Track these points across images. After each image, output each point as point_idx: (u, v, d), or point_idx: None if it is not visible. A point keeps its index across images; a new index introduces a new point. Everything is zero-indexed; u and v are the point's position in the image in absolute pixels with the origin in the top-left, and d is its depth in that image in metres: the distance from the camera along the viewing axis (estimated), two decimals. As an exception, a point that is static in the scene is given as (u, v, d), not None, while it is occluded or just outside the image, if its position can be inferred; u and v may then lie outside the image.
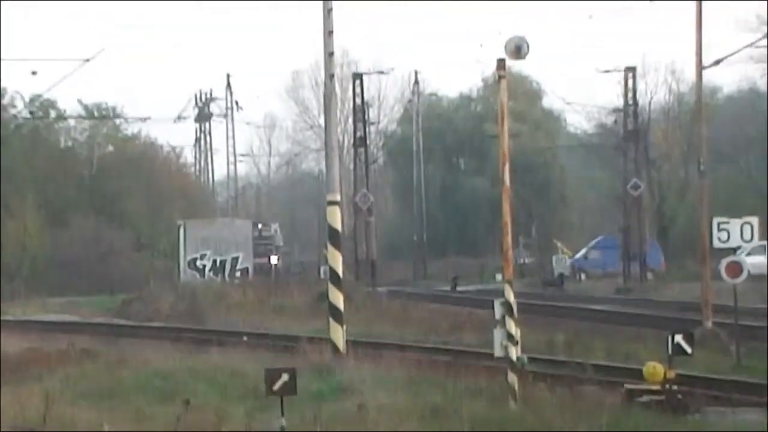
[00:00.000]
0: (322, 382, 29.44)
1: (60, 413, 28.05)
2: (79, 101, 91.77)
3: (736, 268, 43.46)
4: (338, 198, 39.62)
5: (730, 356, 33.68)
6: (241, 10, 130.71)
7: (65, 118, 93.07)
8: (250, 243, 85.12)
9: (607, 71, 75.56)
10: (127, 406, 28.99)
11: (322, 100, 46.18)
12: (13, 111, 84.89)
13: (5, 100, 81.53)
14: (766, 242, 54.54)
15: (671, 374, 27.02)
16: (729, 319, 40.45)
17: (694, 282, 48.74)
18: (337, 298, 36.87)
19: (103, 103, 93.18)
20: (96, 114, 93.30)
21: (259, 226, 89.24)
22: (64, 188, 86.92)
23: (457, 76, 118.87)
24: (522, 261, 73.83)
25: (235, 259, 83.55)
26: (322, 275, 55.66)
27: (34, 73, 61.65)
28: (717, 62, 49.28)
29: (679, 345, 28.34)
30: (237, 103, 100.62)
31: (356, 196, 78.59)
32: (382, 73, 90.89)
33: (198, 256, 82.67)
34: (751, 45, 59.73)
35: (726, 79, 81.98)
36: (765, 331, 39.71)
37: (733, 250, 45.69)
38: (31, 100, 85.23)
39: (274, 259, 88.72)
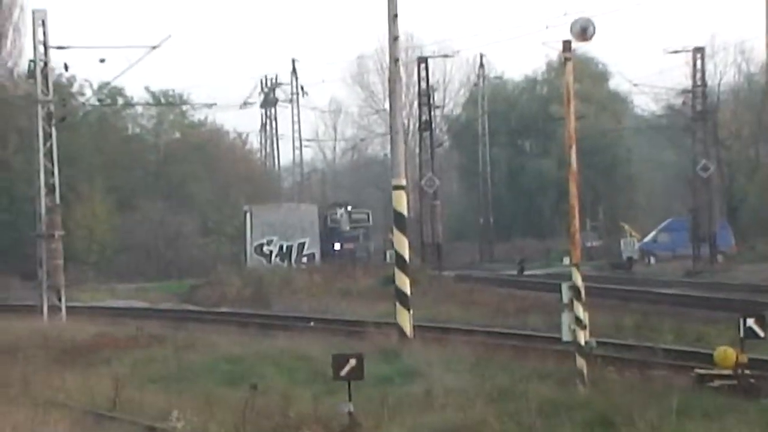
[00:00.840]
0: (388, 366, 29.46)
1: (129, 397, 28.21)
2: (146, 88, 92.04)
3: None
4: (404, 182, 39.66)
5: None
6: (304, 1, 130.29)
7: (133, 105, 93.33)
8: (316, 228, 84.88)
9: (675, 51, 75.13)
10: (196, 391, 29.12)
11: (387, 85, 46.05)
12: (81, 98, 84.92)
13: (74, 88, 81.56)
14: None
15: (743, 358, 26.85)
16: None
17: (766, 263, 48.44)
18: (404, 283, 36.87)
19: (170, 89, 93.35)
20: (162, 101, 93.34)
21: (349, 208, 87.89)
22: (132, 174, 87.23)
23: (522, 58, 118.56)
24: (589, 244, 73.19)
25: (302, 245, 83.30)
26: (387, 259, 55.55)
27: (102, 60, 61.41)
28: None
29: (751, 328, 28.13)
30: (302, 88, 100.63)
31: (422, 180, 78.32)
32: (447, 56, 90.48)
33: (264, 241, 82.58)
34: None
35: None
36: None
37: None
38: (100, 88, 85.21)
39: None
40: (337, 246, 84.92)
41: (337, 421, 23.65)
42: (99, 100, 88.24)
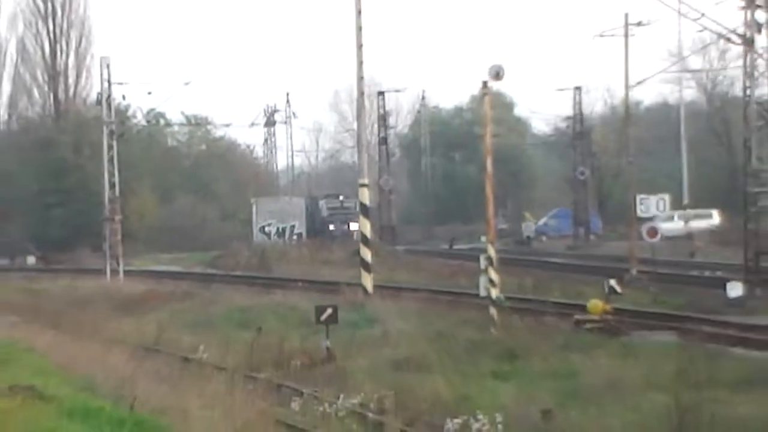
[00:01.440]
0: (356, 314, 29.60)
1: (168, 337, 28.29)
2: (182, 112, 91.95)
3: (653, 231, 43.58)
4: (367, 182, 39.86)
5: (649, 294, 33.67)
6: (296, 51, 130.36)
7: (171, 125, 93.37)
8: (303, 215, 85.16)
9: (561, 89, 75.90)
10: (217, 332, 29.18)
11: (355, 111, 46.19)
12: (134, 120, 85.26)
13: (129, 113, 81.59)
14: (674, 212, 54.34)
15: (608, 308, 27.13)
16: (648, 268, 40.61)
17: (624, 241, 48.75)
18: (366, 254, 37.03)
19: (198, 113, 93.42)
20: (193, 121, 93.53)
21: (341, 197, 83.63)
22: (171, 175, 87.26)
23: (453, 92, 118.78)
24: (500, 227, 73.29)
25: (293, 227, 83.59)
26: (355, 237, 55.62)
27: (149, 93, 62.24)
28: (639, 83, 49.43)
29: (613, 287, 28.46)
30: (294, 113, 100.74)
31: (380, 180, 78.68)
32: (398, 91, 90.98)
33: (266, 224, 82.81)
34: (662, 71, 59.88)
35: (645, 95, 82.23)
36: (675, 276, 39.82)
37: (651, 218, 45.82)
38: (147, 113, 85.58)
39: (354, 226, 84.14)
40: (331, 227, 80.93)
41: (318, 354, 23.75)
42: (147, 122, 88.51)
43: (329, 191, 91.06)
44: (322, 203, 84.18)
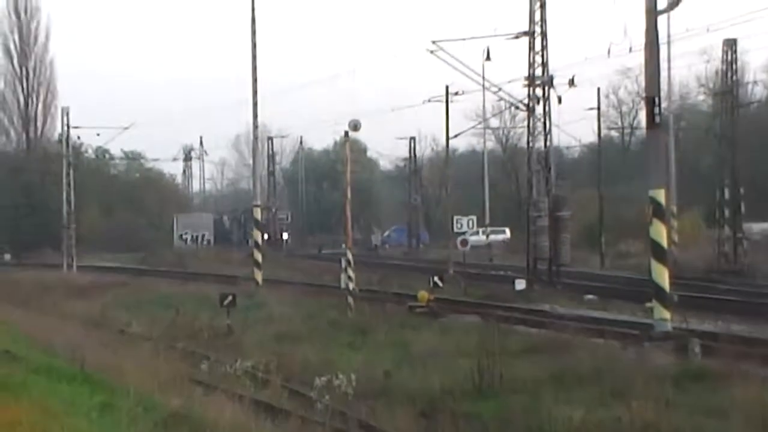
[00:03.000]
0: (249, 300, 29.29)
1: (109, 315, 27.69)
2: (122, 150, 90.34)
3: (464, 242, 44.13)
4: (260, 203, 39.54)
5: (461, 288, 34.02)
6: (207, 103, 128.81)
7: (114, 158, 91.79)
8: (211, 226, 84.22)
9: (401, 138, 76.47)
10: (146, 312, 28.63)
11: (251, 151, 45.81)
12: (86, 155, 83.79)
13: (83, 149, 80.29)
14: (479, 229, 55.06)
15: (432, 297, 27.31)
16: (461, 269, 41.02)
17: (444, 249, 49.21)
18: (258, 256, 36.71)
19: (135, 149, 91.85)
20: (130, 156, 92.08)
21: (274, 210, 78.33)
22: (113, 196, 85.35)
23: (323, 137, 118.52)
24: (356, 237, 73.44)
25: (203, 235, 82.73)
26: (250, 244, 55.15)
27: (98, 134, 61.23)
28: (455, 135, 50.24)
29: (436, 282, 28.66)
30: (205, 151, 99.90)
31: (269, 202, 77.98)
32: (283, 137, 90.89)
33: (184, 233, 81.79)
34: (471, 128, 60.83)
35: (460, 144, 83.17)
36: (479, 275, 40.21)
37: (463, 233, 46.40)
38: (96, 149, 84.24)
39: (285, 235, 79.70)
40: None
41: (222, 329, 23.49)
42: (96, 156, 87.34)
43: (232, 210, 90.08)
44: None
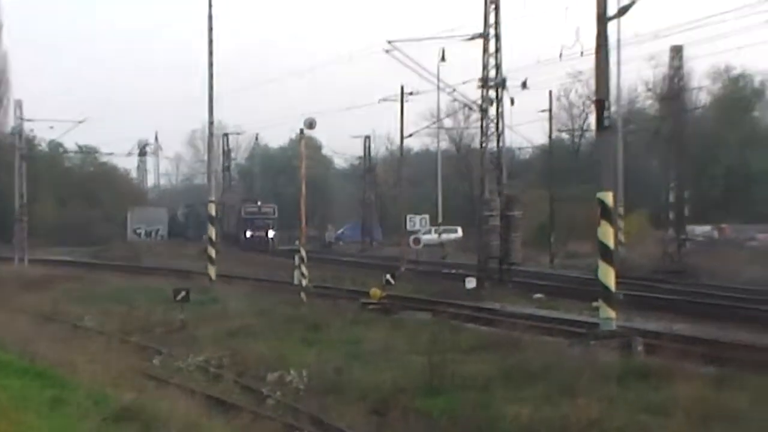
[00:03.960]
0: (203, 296, 29.04)
1: (62, 309, 27.32)
2: (76, 143, 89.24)
3: (417, 240, 44.31)
4: (214, 198, 39.33)
5: (413, 285, 34.08)
6: (163, 97, 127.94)
7: (68, 152, 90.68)
8: (166, 221, 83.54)
9: (355, 137, 76.48)
10: (99, 306, 28.29)
11: (206, 146, 45.62)
12: (39, 147, 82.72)
13: (36, 141, 79.15)
14: (432, 227, 55.25)
15: (384, 294, 27.38)
16: (413, 266, 41.16)
17: (397, 247, 49.31)
18: (212, 252, 36.47)
19: (89, 144, 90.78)
20: (85, 149, 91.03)
21: (258, 203, 72.37)
22: (67, 189, 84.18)
23: (279, 134, 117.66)
24: (310, 234, 72.97)
25: (157, 230, 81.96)
26: (203, 239, 54.73)
27: (51, 127, 60.74)
28: (410, 135, 50.45)
29: (388, 279, 28.74)
30: (160, 146, 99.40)
31: (223, 197, 77.36)
32: (238, 133, 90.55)
33: (137, 227, 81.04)
34: (426, 127, 61.08)
35: (414, 143, 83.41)
36: (431, 273, 40.30)
37: (416, 231, 46.55)
38: (50, 142, 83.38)
39: (271, 233, 70.52)
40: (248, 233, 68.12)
41: (175, 324, 23.34)
42: (49, 149, 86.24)
43: (186, 204, 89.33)
44: (240, 207, 73.85)
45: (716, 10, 39.69)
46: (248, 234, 69.77)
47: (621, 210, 40.77)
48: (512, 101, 35.03)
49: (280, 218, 73.81)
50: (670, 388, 13.02)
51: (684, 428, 11.21)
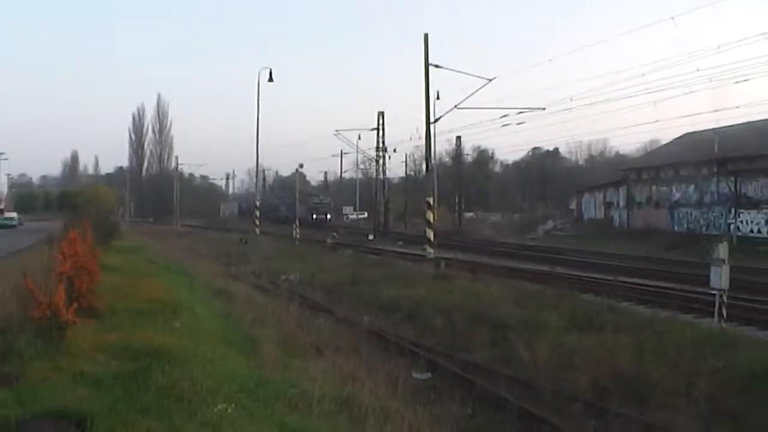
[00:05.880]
0: (252, 241, 25.18)
1: (192, 245, 24.18)
2: (200, 174, 61.73)
3: (347, 218, 41.66)
4: (258, 198, 35.00)
5: (345, 238, 29.23)
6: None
7: (195, 177, 61.73)
8: (236, 209, 58.93)
9: (321, 171, 69.01)
10: (207, 244, 24.44)
11: (256, 175, 39.87)
12: (185, 176, 55.66)
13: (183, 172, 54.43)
14: (356, 212, 51.83)
15: (333, 241, 24.25)
16: (345, 230, 37.16)
17: (339, 221, 44.93)
18: (257, 222, 30.68)
19: (204, 173, 65.32)
20: (202, 177, 64.49)
21: (320, 197, 51.96)
22: (195, 194, 61.32)
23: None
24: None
25: (233, 212, 57.12)
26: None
27: (200, 165, 51.75)
28: (345, 171, 47.20)
29: (334, 235, 25.29)
30: (235, 175, 79.32)
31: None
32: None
33: (224, 211, 57.65)
34: (352, 168, 55.58)
35: (347, 175, 69.64)
36: (353, 233, 35.71)
37: (346, 214, 43.44)
38: (189, 174, 59.89)
39: (328, 216, 48.35)
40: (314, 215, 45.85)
41: (241, 253, 20.71)
42: (189, 178, 59.25)
43: (285, 202, 55.17)
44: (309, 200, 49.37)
45: (477, 120, 40.56)
46: (314, 216, 49.23)
47: (435, 204, 40.75)
48: (389, 157, 35.07)
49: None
50: (453, 282, 13.22)
51: (459, 299, 11.50)
